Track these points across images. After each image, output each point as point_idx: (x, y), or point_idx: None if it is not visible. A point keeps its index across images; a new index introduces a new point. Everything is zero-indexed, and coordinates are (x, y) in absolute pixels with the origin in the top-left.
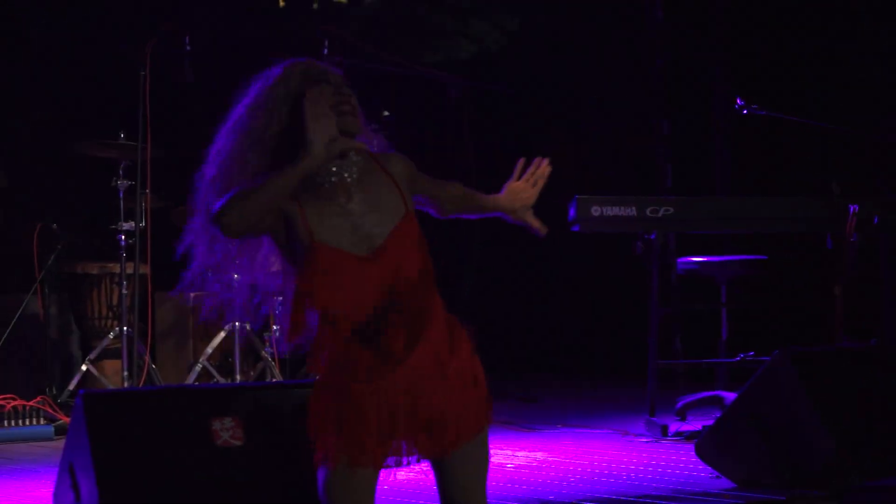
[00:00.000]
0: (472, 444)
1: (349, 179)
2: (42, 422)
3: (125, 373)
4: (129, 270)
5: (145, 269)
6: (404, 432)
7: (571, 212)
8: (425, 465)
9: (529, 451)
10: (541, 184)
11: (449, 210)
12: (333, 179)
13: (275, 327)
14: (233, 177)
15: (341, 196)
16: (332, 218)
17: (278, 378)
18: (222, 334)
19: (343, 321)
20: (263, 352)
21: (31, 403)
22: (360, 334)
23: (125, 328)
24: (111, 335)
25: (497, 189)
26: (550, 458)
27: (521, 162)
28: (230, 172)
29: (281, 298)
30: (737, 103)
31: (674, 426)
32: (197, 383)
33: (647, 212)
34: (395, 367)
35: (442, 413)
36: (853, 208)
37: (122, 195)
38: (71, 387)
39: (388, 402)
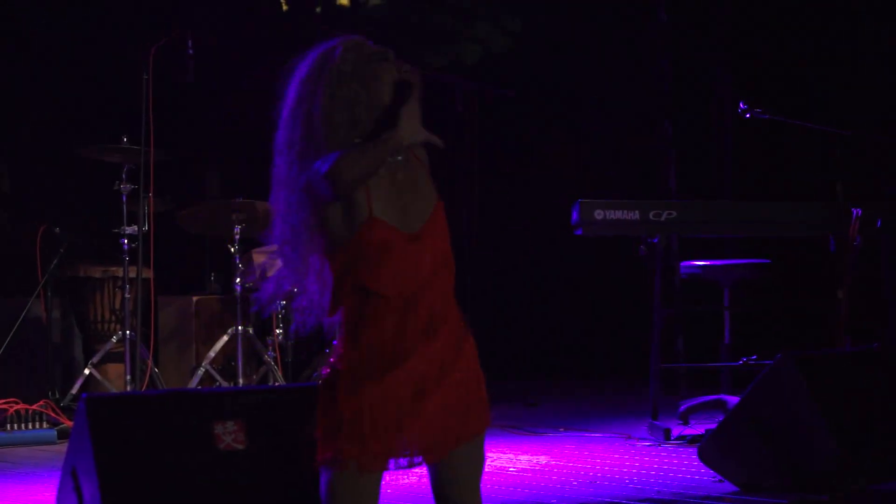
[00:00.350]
0: (471, 445)
1: (400, 163)
2: (45, 425)
3: (128, 376)
4: (132, 274)
5: (148, 273)
6: (409, 433)
7: (574, 215)
8: (423, 468)
9: (532, 455)
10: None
11: None
12: (390, 160)
13: (277, 331)
14: (320, 147)
15: (394, 177)
16: (386, 196)
17: (281, 381)
18: (225, 338)
19: (386, 298)
20: (266, 355)
21: (33, 407)
22: (398, 312)
23: (128, 332)
24: (114, 339)
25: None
26: (553, 462)
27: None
28: (317, 140)
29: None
30: (740, 107)
31: (676, 430)
32: (199, 387)
33: (650, 215)
34: (419, 349)
35: (446, 412)
36: (856, 211)
37: (125, 199)
38: (74, 390)
39: (395, 399)
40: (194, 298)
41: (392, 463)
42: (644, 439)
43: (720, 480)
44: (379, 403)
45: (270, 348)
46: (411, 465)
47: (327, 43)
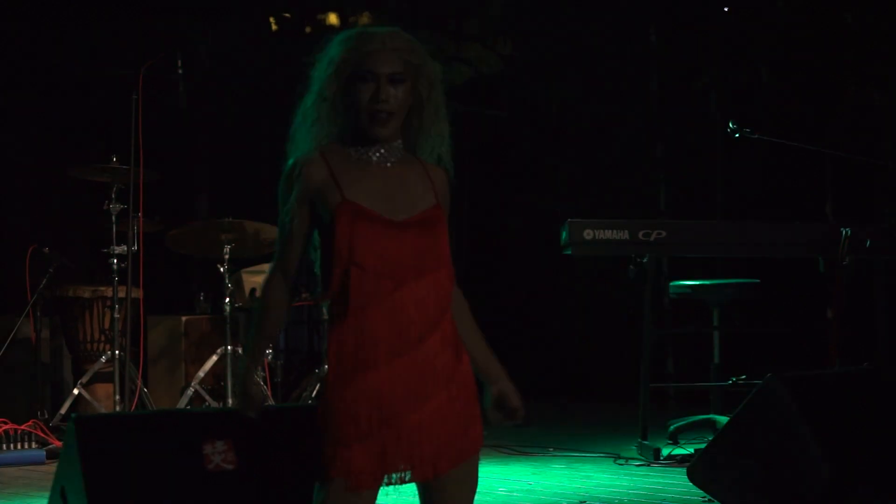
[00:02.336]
0: (465, 466)
1: (390, 162)
2: (34, 446)
3: (117, 397)
4: (122, 294)
5: (138, 293)
6: (405, 447)
7: (564, 235)
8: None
9: (521, 475)
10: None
11: None
12: (375, 158)
13: (267, 351)
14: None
15: (378, 170)
16: (364, 182)
17: (270, 402)
18: (214, 358)
19: (375, 276)
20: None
21: (22, 427)
22: (384, 302)
23: (117, 352)
24: (103, 359)
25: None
26: (542, 482)
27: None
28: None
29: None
30: (729, 127)
31: (666, 450)
32: (189, 407)
33: (640, 235)
34: (405, 354)
35: (438, 429)
36: (845, 232)
37: (114, 219)
38: (63, 410)
39: (389, 407)
40: (183, 318)
41: (383, 480)
42: (634, 459)
43: (709, 501)
44: (356, 407)
45: (260, 368)
46: (403, 482)
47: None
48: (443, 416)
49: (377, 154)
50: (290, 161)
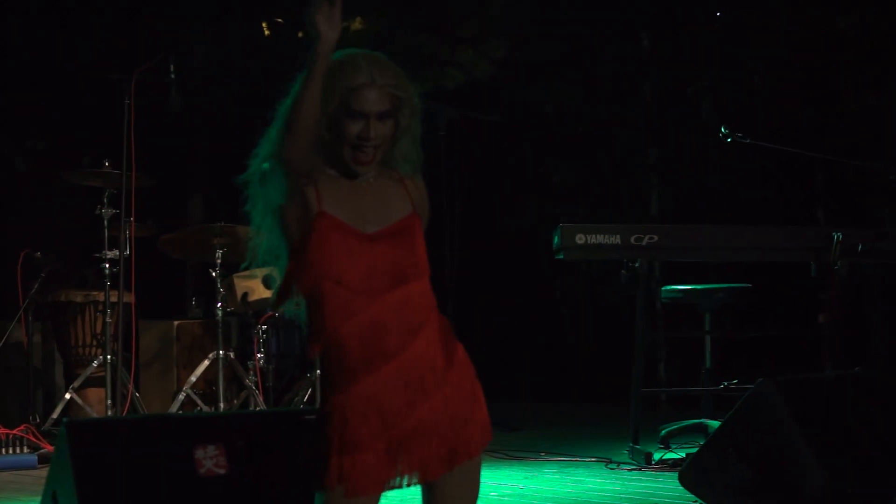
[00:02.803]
0: (465, 469)
1: (366, 180)
2: (25, 450)
3: (109, 401)
4: (114, 299)
5: (129, 298)
6: (404, 453)
7: (556, 240)
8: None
9: (513, 480)
10: None
11: None
12: (352, 171)
13: (259, 355)
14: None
15: (355, 184)
16: (343, 197)
17: (262, 406)
18: (206, 362)
19: (346, 292)
20: (247, 380)
21: (14, 432)
22: (359, 315)
23: (109, 356)
24: (95, 363)
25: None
26: (534, 487)
27: None
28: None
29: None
30: (721, 131)
31: (658, 454)
32: (181, 412)
33: (632, 240)
34: (389, 361)
35: (435, 429)
36: (838, 236)
37: (106, 223)
38: (55, 415)
39: (384, 414)
40: (176, 323)
41: (384, 486)
42: (625, 463)
43: None
44: (349, 415)
45: (252, 373)
46: (404, 485)
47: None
48: (438, 419)
49: (351, 171)
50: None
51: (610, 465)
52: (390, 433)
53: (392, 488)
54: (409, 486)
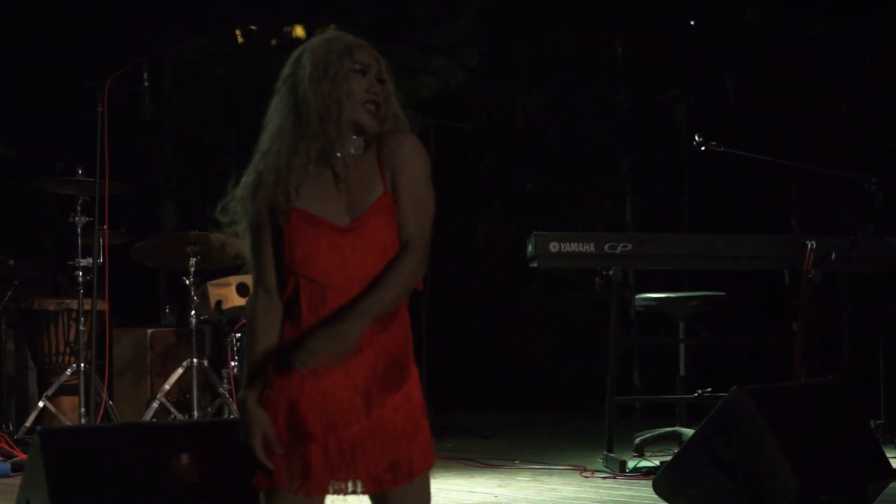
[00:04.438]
0: (413, 486)
1: (345, 166)
2: None
3: (82, 409)
4: (87, 307)
5: (103, 306)
6: (347, 457)
7: (530, 248)
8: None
9: (487, 488)
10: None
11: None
12: (334, 162)
13: (232, 363)
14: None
15: (331, 174)
16: (316, 188)
17: (236, 414)
18: (180, 371)
19: (317, 287)
20: (221, 388)
21: None
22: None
23: (82, 364)
24: (68, 371)
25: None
26: (508, 494)
27: None
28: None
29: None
30: (695, 140)
31: (632, 462)
32: (154, 420)
33: (606, 248)
34: (346, 358)
35: (377, 443)
36: (811, 245)
37: (80, 231)
38: (28, 423)
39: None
40: (149, 331)
41: (327, 486)
42: (599, 471)
43: None
44: (291, 414)
45: (225, 381)
46: (346, 493)
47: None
48: (385, 429)
49: (337, 159)
50: (251, 174)
51: (584, 473)
52: (337, 434)
53: (337, 493)
54: (354, 493)
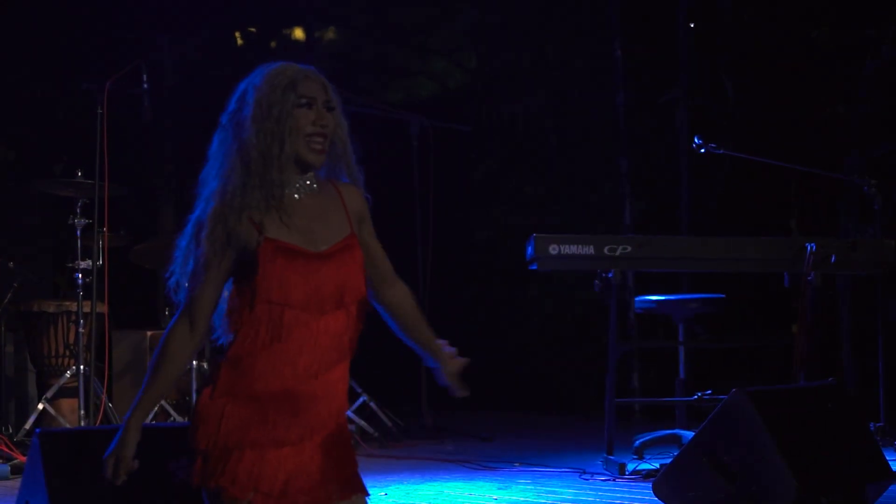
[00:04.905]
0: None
1: (300, 195)
2: None
3: (82, 411)
4: (87, 309)
5: (103, 308)
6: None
7: (529, 250)
8: None
9: (486, 490)
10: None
11: (374, 288)
12: (294, 194)
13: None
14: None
15: (290, 206)
16: (281, 220)
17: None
18: None
19: (291, 311)
20: None
21: None
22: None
23: (82, 367)
24: (68, 374)
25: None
26: (508, 497)
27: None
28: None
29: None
30: (694, 142)
31: (631, 465)
32: (154, 422)
33: (605, 250)
34: (308, 381)
35: (328, 458)
36: (810, 247)
37: (79, 233)
38: (27, 425)
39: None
40: (148, 333)
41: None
42: (599, 474)
43: None
44: (241, 425)
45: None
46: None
47: (264, 73)
48: (329, 449)
49: (295, 189)
50: (204, 210)
51: (584, 476)
52: (282, 445)
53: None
54: None
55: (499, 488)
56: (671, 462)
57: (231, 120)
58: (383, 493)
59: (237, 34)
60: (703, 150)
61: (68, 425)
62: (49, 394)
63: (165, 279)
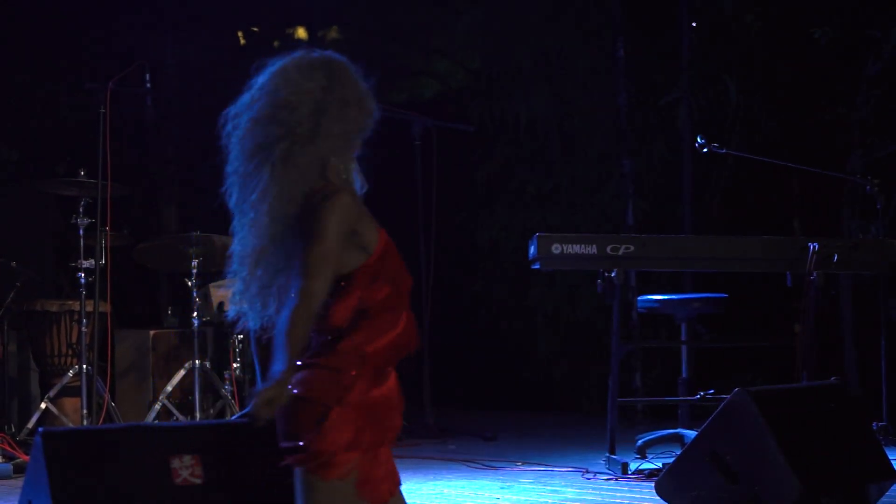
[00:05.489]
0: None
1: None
2: (0, 460)
3: (84, 411)
4: (89, 308)
5: (105, 307)
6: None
7: (532, 249)
8: None
9: (489, 489)
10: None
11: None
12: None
13: (234, 365)
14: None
15: None
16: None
17: (238, 416)
18: (182, 372)
19: (397, 299)
20: (223, 390)
21: None
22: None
23: (85, 366)
24: (70, 373)
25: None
26: (511, 497)
27: None
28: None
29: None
30: (697, 142)
31: (634, 464)
32: (156, 421)
33: (608, 250)
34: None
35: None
36: (813, 246)
37: (82, 233)
38: (30, 425)
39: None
40: (151, 332)
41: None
42: (602, 473)
43: None
44: (378, 413)
45: (227, 382)
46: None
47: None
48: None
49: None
50: (334, 193)
51: (586, 475)
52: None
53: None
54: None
55: (501, 487)
56: (674, 461)
57: (328, 92)
58: None
59: (240, 34)
60: (705, 150)
61: (71, 424)
62: (52, 393)
63: None
